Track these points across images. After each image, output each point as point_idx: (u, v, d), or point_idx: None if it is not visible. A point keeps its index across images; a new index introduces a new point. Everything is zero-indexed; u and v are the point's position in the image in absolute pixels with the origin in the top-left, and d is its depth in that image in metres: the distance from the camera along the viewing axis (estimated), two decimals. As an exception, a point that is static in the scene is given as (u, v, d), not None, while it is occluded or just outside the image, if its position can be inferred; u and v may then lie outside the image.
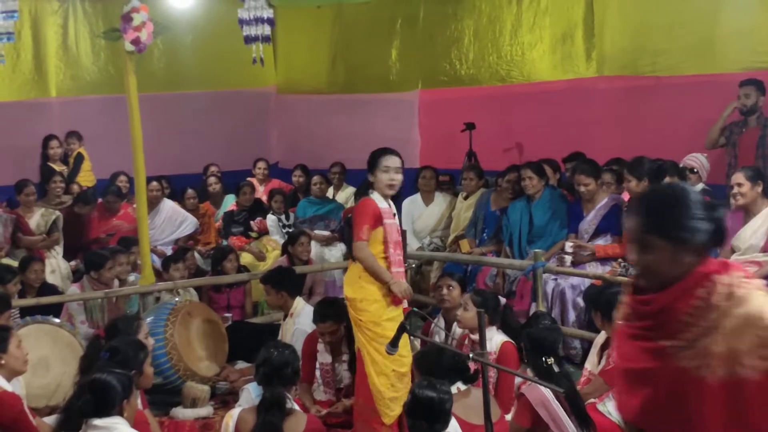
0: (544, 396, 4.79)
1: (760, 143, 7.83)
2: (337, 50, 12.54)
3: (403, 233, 5.82)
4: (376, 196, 5.65)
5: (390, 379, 5.57)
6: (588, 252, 7.62)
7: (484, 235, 8.69)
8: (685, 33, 8.77)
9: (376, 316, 5.57)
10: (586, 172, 7.81)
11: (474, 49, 10.76)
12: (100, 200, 9.98)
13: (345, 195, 10.78)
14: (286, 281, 7.01)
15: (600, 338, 5.64)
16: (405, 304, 5.71)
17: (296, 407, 4.85)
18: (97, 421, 4.05)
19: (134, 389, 4.36)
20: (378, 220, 5.59)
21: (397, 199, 5.90)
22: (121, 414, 4.15)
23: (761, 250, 6.63)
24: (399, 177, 5.66)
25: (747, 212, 6.78)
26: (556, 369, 4.94)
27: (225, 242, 9.92)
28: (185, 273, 8.25)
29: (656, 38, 9.02)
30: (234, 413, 4.78)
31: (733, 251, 6.79)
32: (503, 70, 10.47)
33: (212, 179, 11.09)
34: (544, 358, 4.91)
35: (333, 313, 6.16)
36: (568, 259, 7.57)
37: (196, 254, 9.41)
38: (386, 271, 5.58)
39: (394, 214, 5.72)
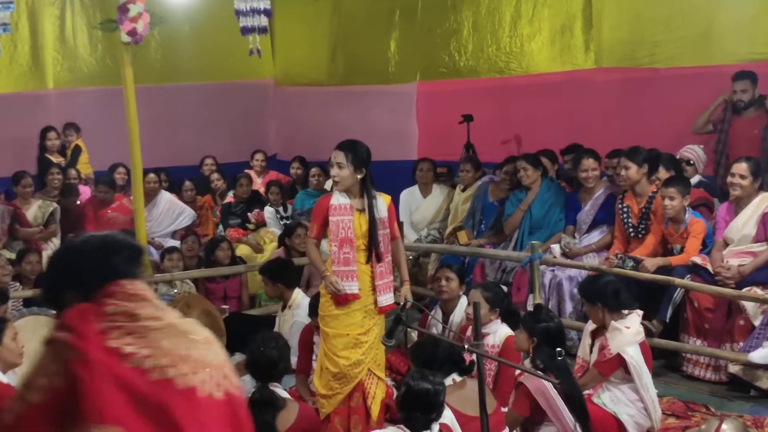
0: (542, 384, 4.80)
1: (766, 135, 7.80)
2: (336, 42, 12.51)
3: (371, 224, 5.59)
4: (335, 192, 5.68)
5: (325, 377, 5.61)
6: (581, 251, 7.68)
7: (482, 226, 8.69)
8: (684, 25, 8.77)
9: (321, 309, 5.71)
10: (593, 156, 7.84)
11: (473, 40, 10.74)
12: (91, 192, 10.01)
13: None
14: (283, 273, 7.04)
15: (590, 325, 5.64)
16: (359, 306, 5.59)
17: (286, 395, 4.84)
18: None
19: None
20: (324, 217, 5.64)
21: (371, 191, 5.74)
22: None
23: (753, 240, 6.63)
24: (335, 171, 5.57)
25: (738, 203, 6.78)
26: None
27: (220, 232, 9.94)
28: (179, 264, 8.25)
29: (654, 30, 9.01)
30: None
31: (726, 244, 6.79)
32: (502, 62, 10.46)
33: (215, 176, 11.07)
34: (558, 350, 4.92)
35: None
36: (557, 249, 7.57)
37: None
38: (321, 266, 5.67)
39: (362, 210, 5.59)
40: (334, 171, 5.59)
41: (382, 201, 5.67)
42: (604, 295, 5.45)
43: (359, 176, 5.56)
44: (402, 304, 5.56)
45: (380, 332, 5.53)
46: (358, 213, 5.58)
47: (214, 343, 2.56)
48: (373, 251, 5.57)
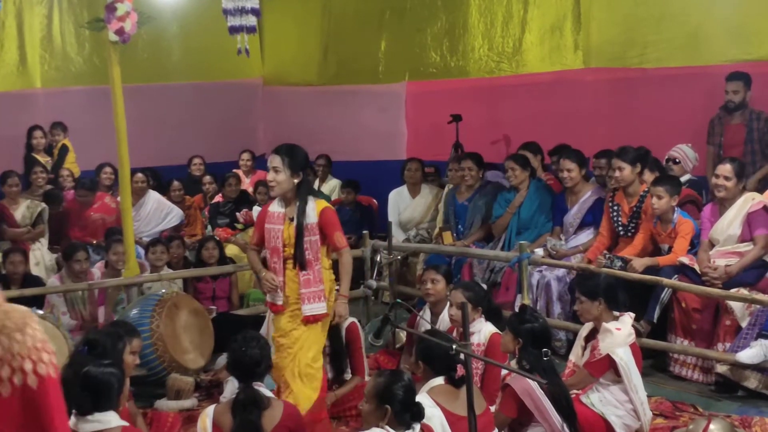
0: (529, 385, 4.79)
1: (748, 138, 7.83)
2: (325, 41, 12.50)
3: (297, 230, 5.47)
4: (275, 199, 5.62)
5: None
6: (568, 253, 7.68)
7: (459, 227, 8.70)
8: (673, 25, 8.78)
9: None
10: (570, 157, 7.81)
11: (463, 41, 10.74)
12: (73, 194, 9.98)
13: (329, 187, 10.75)
14: None
15: (584, 330, 5.65)
16: (286, 310, 5.55)
17: (270, 395, 4.82)
18: (90, 416, 4.06)
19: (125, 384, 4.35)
20: (261, 224, 5.63)
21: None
22: (116, 409, 4.16)
23: (739, 240, 6.64)
24: (271, 176, 5.49)
25: (722, 204, 6.79)
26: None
27: (209, 232, 9.93)
28: (163, 257, 8.20)
29: (644, 30, 9.02)
30: (209, 411, 4.73)
31: (712, 245, 6.80)
32: (493, 62, 10.45)
33: (207, 178, 11.03)
34: (544, 350, 4.91)
35: None
36: (540, 253, 7.57)
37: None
38: (258, 266, 5.68)
39: (292, 219, 5.48)
40: (270, 175, 5.51)
41: (313, 207, 5.53)
42: (605, 291, 5.45)
43: (296, 181, 5.48)
44: (390, 304, 5.54)
45: (307, 343, 5.51)
46: (289, 222, 5.51)
47: None
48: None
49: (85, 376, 4.11)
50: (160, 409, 6.24)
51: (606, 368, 5.27)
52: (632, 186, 7.36)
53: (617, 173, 7.34)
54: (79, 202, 9.73)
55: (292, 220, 5.48)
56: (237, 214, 10.21)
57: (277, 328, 5.60)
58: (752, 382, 6.21)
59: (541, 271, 7.54)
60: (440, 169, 10.18)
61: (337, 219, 5.69)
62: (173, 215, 10.15)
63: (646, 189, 7.28)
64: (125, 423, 4.18)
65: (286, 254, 5.51)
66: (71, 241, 9.09)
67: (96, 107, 10.24)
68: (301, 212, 5.46)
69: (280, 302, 5.54)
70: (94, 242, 9.32)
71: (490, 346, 5.68)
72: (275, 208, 5.58)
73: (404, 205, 9.62)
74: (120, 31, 7.10)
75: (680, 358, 6.73)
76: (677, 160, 7.86)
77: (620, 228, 7.42)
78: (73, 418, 4.07)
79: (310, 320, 5.52)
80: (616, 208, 7.45)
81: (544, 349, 4.91)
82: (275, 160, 5.46)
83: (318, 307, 5.53)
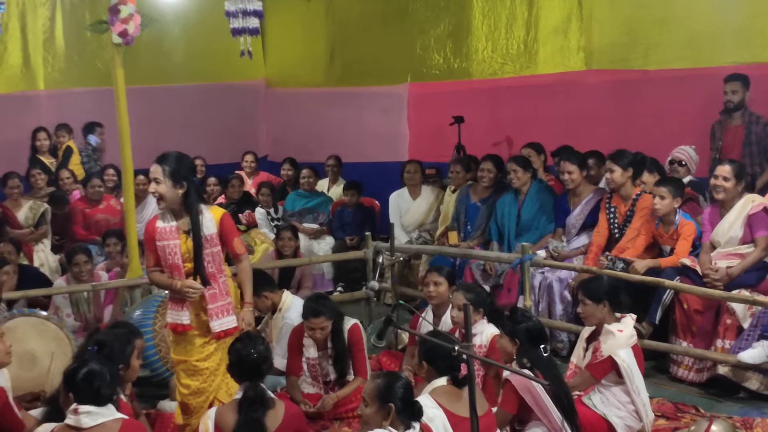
0: (529, 381, 4.81)
1: (746, 141, 7.84)
2: (327, 44, 12.52)
3: (195, 244, 5.15)
4: (162, 213, 5.31)
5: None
6: (570, 254, 7.68)
7: (468, 227, 8.70)
8: (675, 27, 8.77)
9: (169, 334, 5.50)
10: (570, 159, 7.83)
11: (467, 42, 10.74)
12: (79, 194, 9.97)
13: (340, 189, 10.67)
14: (260, 284, 6.65)
15: (586, 331, 5.66)
16: (198, 331, 5.27)
17: (271, 395, 4.83)
18: (93, 409, 4.12)
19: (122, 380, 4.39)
20: (152, 243, 5.29)
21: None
22: (115, 404, 4.23)
23: (740, 242, 6.65)
24: (153, 187, 5.16)
25: (723, 206, 6.79)
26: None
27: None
28: None
29: (646, 32, 9.02)
30: (210, 413, 4.73)
31: (713, 246, 6.80)
32: (497, 64, 10.46)
33: (211, 180, 11.00)
34: (543, 347, 4.93)
35: (326, 309, 6.14)
36: (543, 255, 7.57)
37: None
38: (168, 281, 5.27)
39: (188, 231, 5.19)
40: (151, 187, 5.21)
41: (210, 217, 5.24)
42: (609, 293, 5.46)
43: (180, 191, 5.16)
44: (393, 305, 5.53)
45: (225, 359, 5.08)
46: (185, 235, 5.23)
47: None
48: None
49: (85, 374, 4.18)
50: (163, 410, 6.25)
51: (608, 370, 5.28)
52: (624, 189, 7.41)
53: (608, 174, 7.48)
54: (90, 196, 9.71)
55: (187, 233, 5.21)
56: (240, 215, 10.21)
57: (189, 351, 5.29)
58: (754, 383, 6.22)
59: (543, 273, 7.55)
60: (442, 171, 10.18)
61: (234, 225, 5.47)
62: (176, 217, 10.14)
63: (639, 192, 7.31)
64: (124, 416, 4.23)
65: (187, 269, 5.23)
66: (75, 241, 9.11)
67: (99, 109, 10.27)
68: (196, 224, 5.15)
69: (187, 321, 5.25)
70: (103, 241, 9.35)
71: (492, 347, 5.70)
72: (164, 222, 5.24)
73: (405, 207, 9.61)
74: (123, 34, 7.11)
75: (680, 359, 6.73)
76: (683, 162, 7.85)
77: (616, 230, 7.44)
78: (73, 415, 4.11)
79: (221, 336, 5.24)
80: (613, 209, 7.48)
81: (543, 346, 4.95)
82: (156, 171, 5.13)
83: (228, 321, 5.29)
